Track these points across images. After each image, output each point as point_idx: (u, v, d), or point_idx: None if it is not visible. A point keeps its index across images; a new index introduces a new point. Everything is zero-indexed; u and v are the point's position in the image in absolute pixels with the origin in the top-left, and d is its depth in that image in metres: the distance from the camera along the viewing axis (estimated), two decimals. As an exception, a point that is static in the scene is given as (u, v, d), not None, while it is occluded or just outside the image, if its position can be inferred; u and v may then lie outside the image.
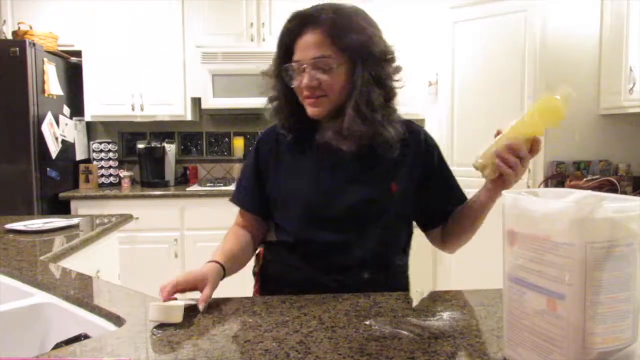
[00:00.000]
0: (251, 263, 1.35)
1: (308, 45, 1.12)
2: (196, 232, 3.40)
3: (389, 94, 1.18)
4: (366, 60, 1.12)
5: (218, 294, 1.09)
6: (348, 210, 1.19)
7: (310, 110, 1.17)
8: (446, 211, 1.27)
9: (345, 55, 1.12)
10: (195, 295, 1.05)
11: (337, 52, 1.11)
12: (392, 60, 1.19)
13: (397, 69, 1.21)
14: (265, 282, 1.32)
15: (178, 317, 0.95)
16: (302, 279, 1.21)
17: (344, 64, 1.12)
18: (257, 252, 1.35)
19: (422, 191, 1.25)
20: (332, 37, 1.11)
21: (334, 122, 1.17)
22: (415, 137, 1.26)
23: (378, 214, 1.20)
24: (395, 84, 1.20)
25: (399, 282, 1.29)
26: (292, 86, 1.17)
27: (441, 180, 1.28)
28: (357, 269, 1.21)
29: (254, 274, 1.35)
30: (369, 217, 1.20)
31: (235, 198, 1.33)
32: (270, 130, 1.30)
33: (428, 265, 3.59)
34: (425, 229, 1.32)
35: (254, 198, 1.29)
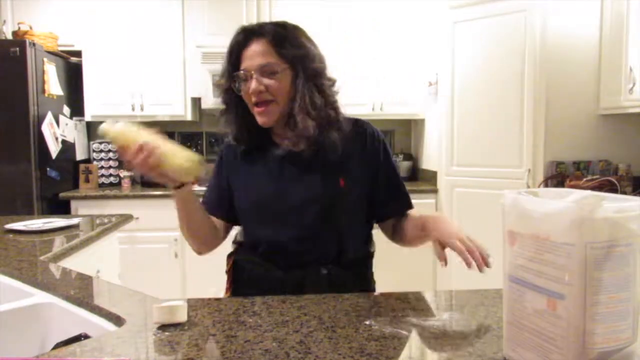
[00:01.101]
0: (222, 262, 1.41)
1: (254, 53, 1.21)
2: (196, 232, 3.40)
3: (327, 100, 1.26)
4: (306, 68, 1.22)
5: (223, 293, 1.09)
6: (299, 207, 1.26)
7: (260, 119, 1.24)
8: (388, 205, 1.35)
9: (287, 63, 1.21)
10: (195, 295, 1.05)
11: (280, 59, 1.21)
12: (326, 70, 1.28)
13: (332, 80, 1.30)
14: (236, 281, 1.37)
15: (182, 317, 0.95)
16: (266, 277, 1.28)
17: (286, 69, 1.21)
18: (229, 253, 1.41)
19: (371, 185, 1.32)
20: (275, 46, 1.21)
21: (283, 129, 1.25)
22: (361, 133, 1.32)
23: (329, 208, 1.26)
24: (332, 93, 1.29)
25: (361, 277, 1.34)
26: (241, 93, 1.24)
27: (386, 174, 1.34)
28: (315, 264, 1.27)
29: (226, 272, 1.40)
30: (319, 213, 1.26)
31: (203, 203, 1.40)
32: (227, 145, 1.40)
33: (428, 265, 3.59)
34: (375, 220, 1.39)
35: (219, 203, 1.38)
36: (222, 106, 1.32)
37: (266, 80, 1.20)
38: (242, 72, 1.22)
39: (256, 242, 1.32)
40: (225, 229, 1.38)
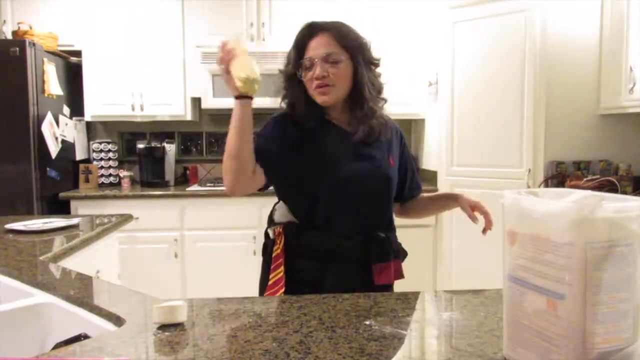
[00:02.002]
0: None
1: (319, 44, 1.39)
2: (196, 232, 3.40)
3: (380, 86, 1.47)
4: (363, 61, 1.41)
5: (223, 294, 1.09)
6: (366, 178, 1.42)
7: (320, 99, 1.39)
8: (412, 189, 1.61)
9: (348, 54, 1.39)
10: (195, 295, 1.05)
11: (342, 51, 1.39)
12: (378, 65, 1.47)
13: (380, 75, 1.49)
14: (290, 259, 1.41)
15: (182, 317, 0.95)
16: (334, 244, 1.39)
17: (347, 60, 1.39)
18: (274, 233, 1.45)
19: (400, 169, 1.54)
20: (337, 39, 1.39)
21: (340, 112, 1.44)
22: (396, 128, 1.56)
23: (387, 181, 1.46)
24: (381, 80, 1.49)
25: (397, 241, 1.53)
26: (305, 79, 1.39)
27: (408, 165, 1.59)
28: (374, 230, 1.44)
29: (271, 256, 1.42)
30: (382, 184, 1.45)
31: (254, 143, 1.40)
32: (283, 115, 1.46)
33: (428, 265, 3.59)
34: (395, 199, 1.58)
35: (268, 155, 1.40)
36: (284, 91, 1.46)
37: (329, 68, 1.36)
38: (307, 59, 1.38)
39: (313, 213, 1.39)
40: (261, 179, 1.40)
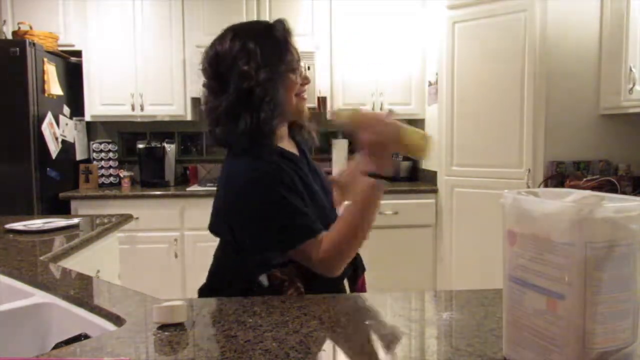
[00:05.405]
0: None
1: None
2: (196, 232, 3.40)
3: None
4: None
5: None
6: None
7: (304, 105, 1.25)
8: None
9: None
10: (195, 295, 1.05)
11: None
12: None
13: None
14: None
15: (182, 317, 0.95)
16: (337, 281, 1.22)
17: None
18: (275, 279, 1.17)
19: None
20: None
21: (284, 130, 1.27)
22: None
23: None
24: None
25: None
26: (294, 82, 1.21)
27: None
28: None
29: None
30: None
31: (313, 228, 1.13)
32: (272, 159, 1.17)
33: (428, 265, 3.59)
34: None
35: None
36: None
37: None
38: (297, 60, 1.22)
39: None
40: None
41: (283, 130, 1.25)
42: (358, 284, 1.29)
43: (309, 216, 1.13)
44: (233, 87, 1.14)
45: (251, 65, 1.13)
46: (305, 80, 1.23)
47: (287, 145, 1.26)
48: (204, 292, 1.26)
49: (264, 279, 1.16)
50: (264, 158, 1.15)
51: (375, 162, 1.09)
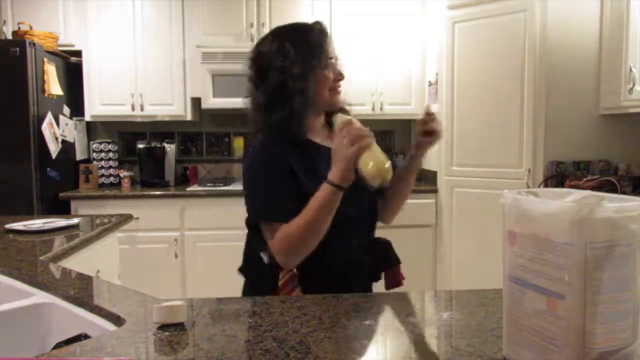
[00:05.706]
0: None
1: (331, 45, 1.35)
2: (196, 232, 3.41)
3: None
4: None
5: (223, 294, 1.09)
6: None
7: (337, 99, 1.33)
8: None
9: None
10: (195, 295, 1.05)
11: None
12: None
13: None
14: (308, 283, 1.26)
15: (182, 317, 0.95)
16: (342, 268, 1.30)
17: None
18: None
19: None
20: None
21: (321, 123, 1.35)
22: None
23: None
24: None
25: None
26: (326, 78, 1.29)
27: None
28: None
29: (265, 287, 1.26)
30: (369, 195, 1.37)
31: (276, 213, 1.23)
32: (272, 142, 1.28)
33: (428, 265, 3.59)
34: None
35: (292, 207, 1.23)
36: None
37: None
38: (333, 57, 1.31)
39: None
40: None
41: (318, 122, 1.34)
42: (389, 275, 1.39)
43: (279, 202, 1.22)
44: (270, 81, 1.26)
45: (286, 62, 1.25)
46: (339, 76, 1.32)
47: (320, 136, 1.33)
48: (243, 270, 1.39)
49: (264, 256, 1.27)
50: (269, 143, 1.28)
51: (336, 170, 1.16)
